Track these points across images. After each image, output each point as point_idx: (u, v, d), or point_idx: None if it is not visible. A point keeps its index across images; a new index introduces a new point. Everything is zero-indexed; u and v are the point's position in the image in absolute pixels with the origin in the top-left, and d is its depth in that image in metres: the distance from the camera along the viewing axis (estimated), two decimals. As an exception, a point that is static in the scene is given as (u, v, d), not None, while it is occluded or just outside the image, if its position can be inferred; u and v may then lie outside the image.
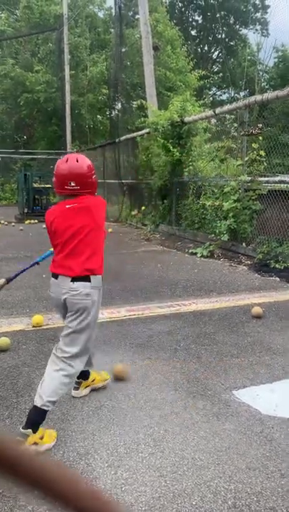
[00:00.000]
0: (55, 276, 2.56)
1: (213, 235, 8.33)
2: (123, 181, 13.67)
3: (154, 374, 3.24)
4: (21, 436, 2.34)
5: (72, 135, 22.16)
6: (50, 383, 2.44)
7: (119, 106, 20.20)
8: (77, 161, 2.55)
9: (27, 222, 14.00)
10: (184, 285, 6.02)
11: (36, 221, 13.99)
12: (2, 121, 25.81)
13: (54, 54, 23.83)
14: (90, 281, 2.52)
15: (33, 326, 4.26)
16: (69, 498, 0.41)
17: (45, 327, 4.27)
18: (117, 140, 14.28)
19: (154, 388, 3.04)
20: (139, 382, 3.12)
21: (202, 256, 8.13)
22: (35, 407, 2.41)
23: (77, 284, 2.49)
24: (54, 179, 2.60)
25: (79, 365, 2.56)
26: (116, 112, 17.82)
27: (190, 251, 8.53)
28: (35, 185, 15.57)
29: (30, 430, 2.36)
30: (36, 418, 2.39)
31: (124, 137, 13.87)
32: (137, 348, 3.77)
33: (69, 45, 21.59)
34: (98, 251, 2.58)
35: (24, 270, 3.27)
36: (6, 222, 13.79)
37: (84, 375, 2.88)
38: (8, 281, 3.17)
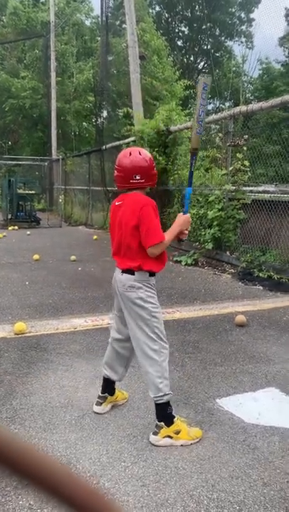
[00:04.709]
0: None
1: (197, 244, 8.37)
2: (108, 189, 13.66)
3: (137, 382, 3.22)
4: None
5: (58, 141, 22.15)
6: None
7: (105, 113, 20.25)
8: (140, 154, 2.51)
9: (10, 228, 13.89)
10: (168, 293, 6.03)
11: (17, 228, 13.94)
12: (-13, 127, 25.67)
13: (40, 61, 23.85)
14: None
15: (16, 334, 4.21)
16: (66, 495, 0.40)
17: (27, 335, 4.22)
18: (103, 147, 14.30)
19: (138, 397, 3.03)
20: (122, 391, 3.10)
21: (186, 264, 8.16)
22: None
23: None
24: (117, 173, 2.52)
25: None
26: (102, 120, 17.88)
27: (174, 259, 8.55)
28: (19, 191, 15.50)
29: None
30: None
31: (110, 145, 13.88)
32: (121, 356, 3.74)
33: (56, 52, 21.63)
34: None
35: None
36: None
37: (110, 391, 2.84)
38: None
